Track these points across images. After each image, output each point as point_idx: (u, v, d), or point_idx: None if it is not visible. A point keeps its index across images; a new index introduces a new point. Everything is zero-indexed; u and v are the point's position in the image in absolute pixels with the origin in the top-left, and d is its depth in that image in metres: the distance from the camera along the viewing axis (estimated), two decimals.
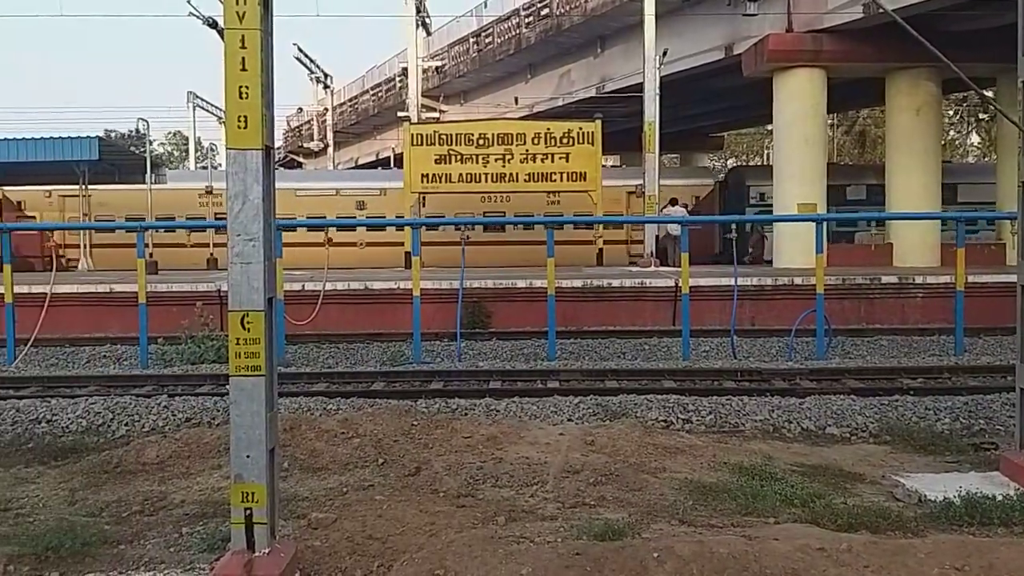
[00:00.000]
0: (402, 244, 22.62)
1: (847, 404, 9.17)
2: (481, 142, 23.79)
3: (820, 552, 4.19)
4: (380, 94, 45.58)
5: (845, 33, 21.36)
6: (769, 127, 32.04)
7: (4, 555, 5.00)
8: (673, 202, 24.35)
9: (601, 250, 25.33)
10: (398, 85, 40.02)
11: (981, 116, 51.70)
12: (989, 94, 26.15)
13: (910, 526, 5.37)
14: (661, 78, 23.73)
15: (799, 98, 22.38)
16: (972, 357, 12.97)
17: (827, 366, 11.91)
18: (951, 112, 50.94)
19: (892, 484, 6.43)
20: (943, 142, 38.99)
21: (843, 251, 22.24)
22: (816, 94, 22.44)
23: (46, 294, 13.97)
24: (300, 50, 45.64)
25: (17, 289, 13.40)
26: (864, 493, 6.27)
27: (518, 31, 32.15)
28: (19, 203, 27.94)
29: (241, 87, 4.44)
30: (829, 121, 43.10)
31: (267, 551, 4.45)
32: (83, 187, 24.55)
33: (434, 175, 23.96)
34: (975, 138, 57.56)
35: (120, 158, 26.28)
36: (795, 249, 20.92)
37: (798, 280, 17.24)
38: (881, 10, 16.78)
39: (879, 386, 10.46)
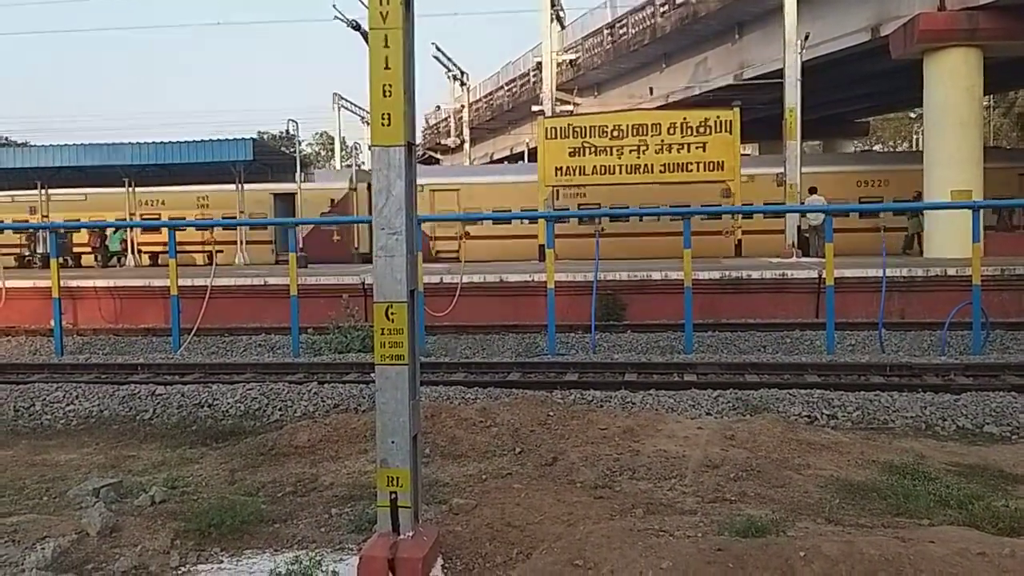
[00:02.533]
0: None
1: (1007, 402, 8.63)
2: (615, 134, 23.64)
3: (980, 557, 3.96)
4: (515, 89, 45.98)
5: (1004, 9, 20.01)
6: (917, 111, 30.34)
7: (172, 530, 5.36)
8: (812, 191, 23.47)
9: (740, 241, 24.70)
10: (532, 80, 40.28)
11: None
12: None
13: None
14: (803, 63, 22.91)
15: (952, 79, 21.11)
16: None
17: (984, 361, 11.23)
18: None
19: None
20: None
21: (1004, 239, 20.87)
22: (971, 75, 21.11)
23: (207, 287, 14.85)
24: (438, 48, 46.61)
25: (180, 282, 14.30)
26: None
27: (653, 20, 31.73)
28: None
29: (385, 85, 4.58)
30: (985, 103, 40.52)
31: (411, 534, 4.58)
32: (240, 186, 25.91)
33: (568, 168, 23.99)
34: None
35: (272, 158, 27.63)
36: (949, 238, 19.79)
37: (951, 271, 16.32)
38: None
39: None
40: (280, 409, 9.34)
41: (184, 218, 27.92)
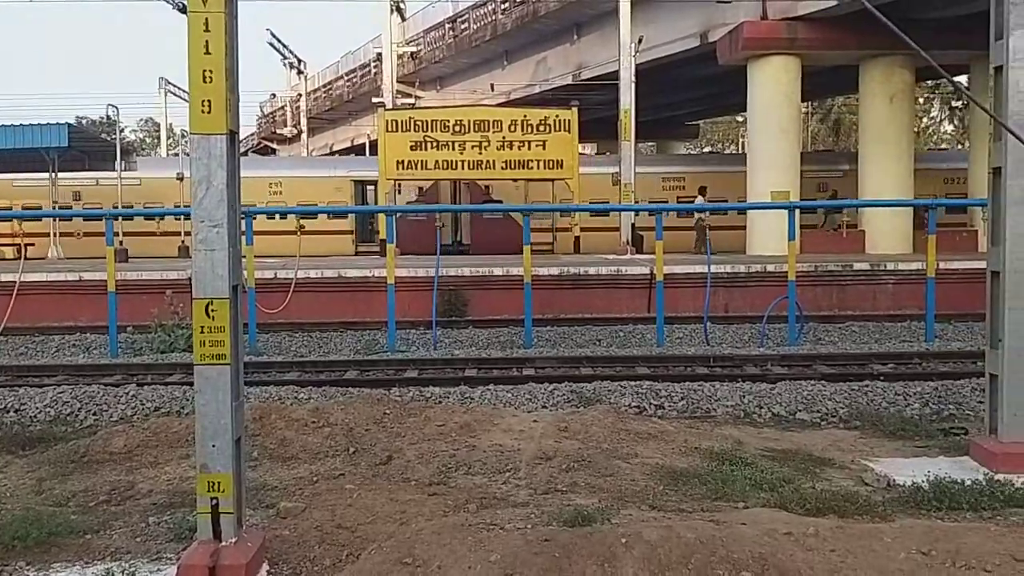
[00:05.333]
0: None
1: (818, 390, 9.23)
2: (457, 129, 23.67)
3: (787, 536, 4.21)
4: (355, 80, 45.28)
5: (820, 21, 21.41)
6: (744, 115, 32.12)
7: None
8: (702, 191, 24.36)
9: (578, 238, 25.31)
10: (373, 71, 39.79)
11: (954, 104, 52.14)
12: (962, 81, 26.43)
13: (878, 510, 5.40)
14: (637, 66, 23.73)
15: (773, 86, 22.43)
16: (943, 343, 13.11)
17: (799, 352, 11.99)
18: (922, 100, 51.31)
19: (861, 469, 6.48)
20: (916, 130, 39.34)
21: (817, 238, 22.38)
22: (790, 82, 22.50)
23: (15, 283, 13.77)
24: (273, 35, 45.24)
25: None
26: (833, 478, 6.31)
27: (494, 17, 32.01)
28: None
29: (205, 71, 4.39)
30: (804, 109, 43.36)
31: (234, 540, 4.41)
32: (53, 174, 24.19)
33: (410, 162, 23.82)
34: (948, 126, 58.11)
35: (90, 145, 25.95)
36: (768, 236, 21.02)
37: (771, 267, 17.31)
38: None
39: (850, 372, 10.54)
40: (94, 413, 8.78)
41: None
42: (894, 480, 6.09)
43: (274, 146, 55.76)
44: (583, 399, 9.11)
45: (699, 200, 23.87)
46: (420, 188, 26.71)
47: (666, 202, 25.38)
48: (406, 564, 4.30)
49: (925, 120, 56.46)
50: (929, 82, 40.65)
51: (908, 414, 8.46)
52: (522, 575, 4.07)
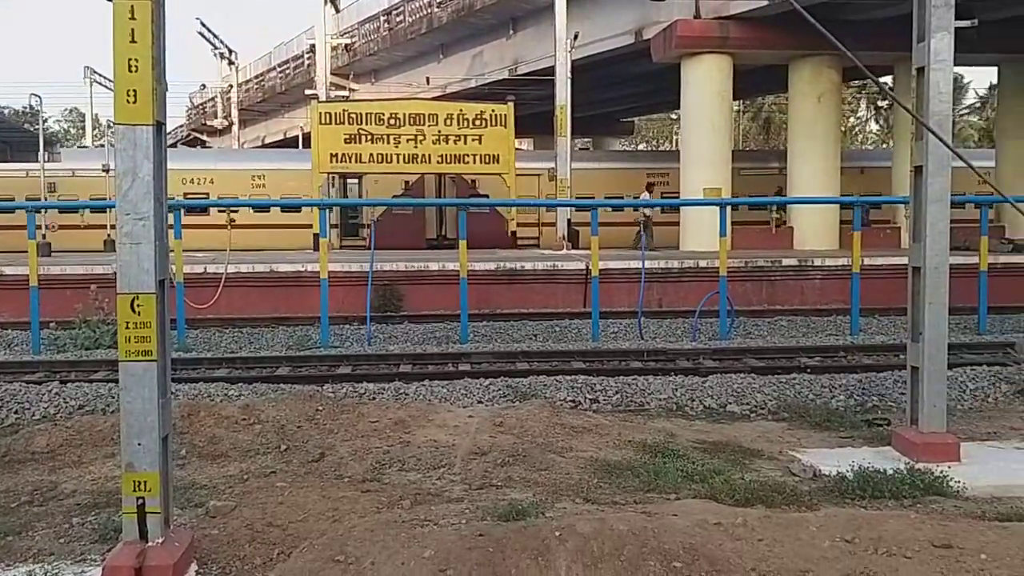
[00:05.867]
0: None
1: (747, 382, 9.42)
2: (392, 122, 23.49)
3: (717, 527, 4.28)
4: (288, 71, 44.58)
5: (751, 20, 21.81)
6: (678, 113, 32.56)
7: None
8: (649, 187, 24.52)
9: (514, 232, 25.35)
10: (306, 62, 39.22)
11: (880, 104, 53.68)
12: (887, 81, 27.25)
13: (804, 500, 5.54)
14: (572, 62, 23.84)
15: (706, 84, 22.78)
16: (867, 336, 13.49)
17: (729, 346, 12.21)
18: (850, 100, 52.65)
19: (788, 459, 6.63)
20: (843, 129, 40.44)
21: (748, 234, 22.79)
22: (722, 80, 22.88)
23: None
24: (203, 24, 44.29)
25: None
26: (762, 468, 6.45)
27: (430, 10, 31.84)
28: None
29: (130, 60, 4.28)
30: (736, 107, 44.17)
31: (160, 541, 4.31)
32: None
33: (344, 155, 23.56)
34: (874, 125, 59.77)
35: (12, 135, 25.08)
36: (701, 233, 21.35)
37: (703, 263, 17.59)
38: None
39: (778, 365, 10.77)
40: (16, 412, 8.49)
41: None
42: (820, 470, 6.24)
43: (204, 138, 54.58)
44: (519, 394, 9.14)
45: (645, 196, 24.13)
46: (406, 182, 26.51)
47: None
48: (338, 561, 4.26)
49: (852, 119, 57.97)
50: (856, 82, 41.74)
51: (834, 406, 8.70)
52: (456, 571, 4.06)
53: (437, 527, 4.64)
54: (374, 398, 8.89)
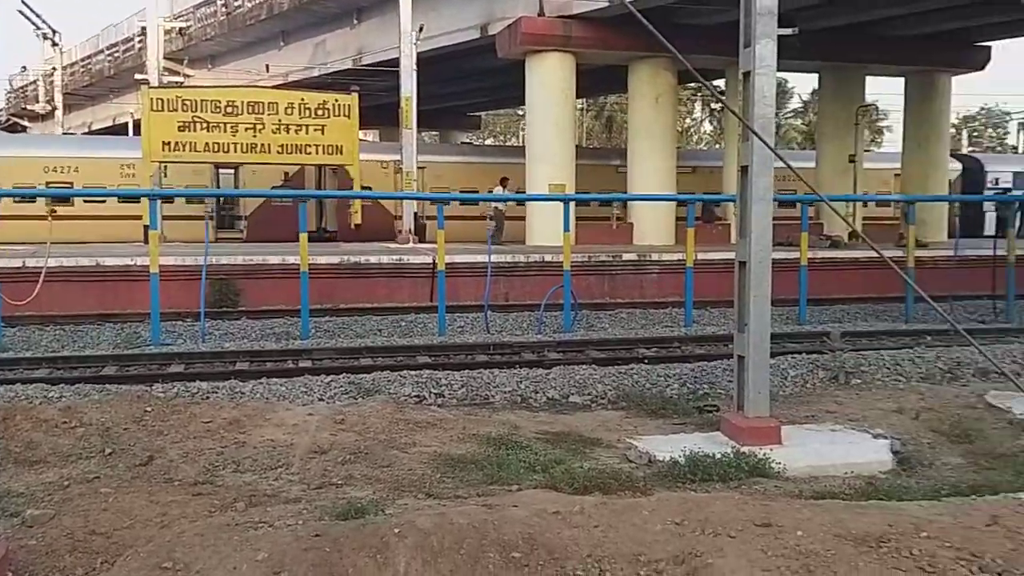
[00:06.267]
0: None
1: (589, 373, 9.67)
2: (230, 110, 22.53)
3: (555, 515, 4.35)
4: (117, 55, 42.13)
5: (592, 20, 22.28)
6: (524, 109, 33.00)
7: None
8: (503, 182, 24.40)
9: (359, 225, 24.91)
10: (137, 46, 37.19)
11: (713, 106, 56.28)
12: (720, 85, 28.59)
13: (639, 485, 5.73)
14: (419, 54, 23.67)
15: (550, 82, 23.13)
16: (700, 328, 14.15)
17: (573, 338, 12.51)
18: (686, 101, 54.99)
19: (626, 447, 6.84)
20: (680, 129, 42.19)
21: (591, 230, 23.33)
22: (566, 78, 23.29)
23: None
24: (24, 3, 41.25)
25: None
26: (601, 457, 6.62)
27: None
28: None
29: None
30: (580, 106, 45.20)
31: None
32: None
33: (177, 143, 22.43)
34: (708, 127, 62.64)
35: None
36: (547, 228, 21.70)
37: (548, 257, 17.89)
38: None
39: (618, 356, 11.13)
40: None
41: None
42: (655, 456, 6.47)
43: (25, 123, 50.81)
44: (362, 390, 9.02)
45: (499, 190, 24.18)
46: (286, 173, 25.25)
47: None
48: (166, 569, 4.05)
49: (688, 120, 60.53)
50: (692, 84, 43.57)
51: (668, 394, 9.05)
52: (291, 572, 3.94)
53: (272, 529, 4.50)
54: (207, 398, 8.55)
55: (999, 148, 58.81)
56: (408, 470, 6.12)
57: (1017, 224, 16.25)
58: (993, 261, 16.08)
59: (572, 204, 14.62)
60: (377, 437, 6.82)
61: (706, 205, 24.79)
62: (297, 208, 13.31)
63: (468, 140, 52.83)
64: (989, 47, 26.85)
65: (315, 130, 23.12)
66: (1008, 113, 62.80)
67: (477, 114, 49.45)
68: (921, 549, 4.02)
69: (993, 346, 10.91)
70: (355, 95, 23.61)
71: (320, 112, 23.19)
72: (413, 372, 9.68)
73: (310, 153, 23.34)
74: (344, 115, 23.32)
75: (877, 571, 3.90)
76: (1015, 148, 51.90)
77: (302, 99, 23.48)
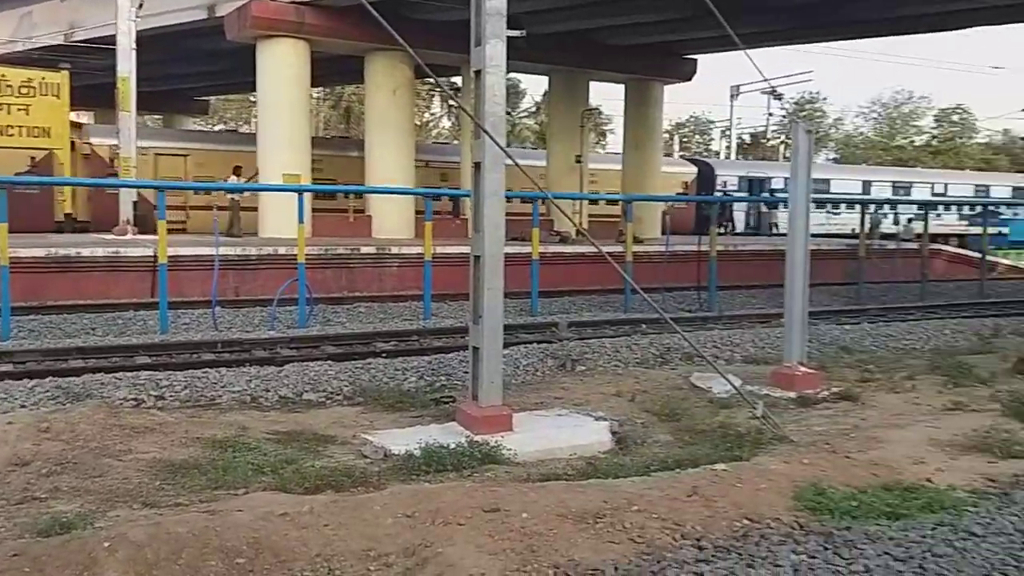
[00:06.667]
0: None
1: (324, 369, 9.48)
2: None
3: (283, 517, 4.22)
4: None
5: (326, 8, 21.88)
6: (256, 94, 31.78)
7: None
8: (236, 171, 22.80)
9: (73, 214, 22.75)
10: None
11: (451, 102, 57.27)
12: (456, 81, 29.19)
13: (373, 481, 5.69)
14: (138, 32, 22.01)
15: (282, 68, 22.45)
16: (438, 320, 14.36)
17: (308, 334, 12.23)
18: (425, 95, 55.59)
19: (361, 443, 6.78)
20: (419, 123, 42.55)
21: (327, 222, 22.96)
22: (300, 65, 22.71)
23: None
24: None
25: None
26: (335, 454, 6.51)
27: None
28: None
29: None
30: (316, 95, 44.25)
31: None
32: None
33: None
34: (447, 122, 63.69)
35: None
36: (281, 219, 21.04)
37: (282, 250, 17.36)
38: None
39: (355, 351, 11.03)
40: None
41: None
42: (390, 450, 6.46)
43: None
44: (71, 395, 8.24)
45: (232, 180, 22.92)
46: (32, 158, 21.83)
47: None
48: None
49: (427, 115, 61.19)
50: (430, 79, 44.05)
51: (406, 387, 9.07)
52: None
53: None
54: None
55: (705, 153, 64.90)
56: (123, 479, 5.67)
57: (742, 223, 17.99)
58: (698, 256, 17.73)
59: (308, 195, 14.27)
60: (87, 445, 6.25)
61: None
62: (46, 195, 11.93)
63: (197, 126, 49.97)
64: (695, 60, 29.56)
65: (19, 110, 20.99)
66: (712, 121, 69.78)
67: (205, 98, 46.95)
68: (632, 522, 4.34)
69: (697, 332, 12.04)
70: (65, 73, 21.65)
71: (24, 90, 21.10)
72: (130, 373, 8.98)
73: (12, 135, 21.10)
74: (52, 95, 21.31)
75: (594, 545, 4.15)
76: (718, 154, 57.64)
77: (3, 75, 21.18)
